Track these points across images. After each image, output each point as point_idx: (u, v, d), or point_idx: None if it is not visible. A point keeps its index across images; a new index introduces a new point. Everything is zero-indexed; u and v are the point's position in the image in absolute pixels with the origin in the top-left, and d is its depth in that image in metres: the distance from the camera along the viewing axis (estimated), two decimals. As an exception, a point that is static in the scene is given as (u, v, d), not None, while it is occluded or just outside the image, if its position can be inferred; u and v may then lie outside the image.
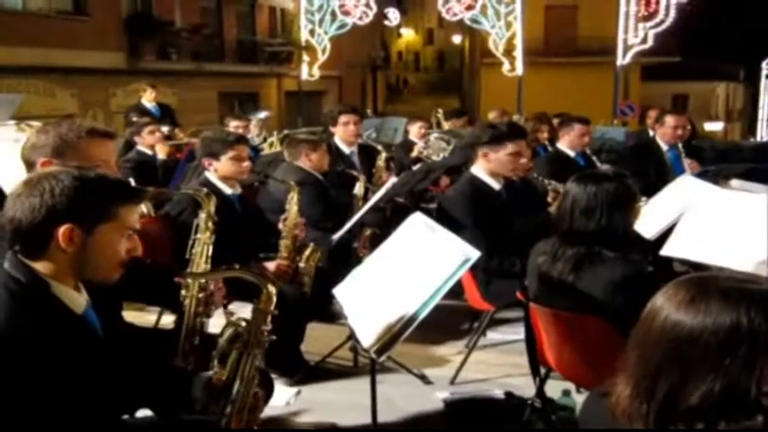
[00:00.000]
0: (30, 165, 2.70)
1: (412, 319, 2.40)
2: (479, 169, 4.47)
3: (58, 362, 1.83)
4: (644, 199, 4.66)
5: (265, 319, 2.16)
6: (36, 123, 6.83)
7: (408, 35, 32.70)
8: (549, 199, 5.06)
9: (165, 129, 8.31)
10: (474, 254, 2.42)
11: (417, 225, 2.86)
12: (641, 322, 1.71)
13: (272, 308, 2.17)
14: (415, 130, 8.64)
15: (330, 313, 5.34)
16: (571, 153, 6.26)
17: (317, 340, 4.72)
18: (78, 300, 2.01)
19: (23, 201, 1.90)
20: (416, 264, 2.62)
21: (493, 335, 5.00)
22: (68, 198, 1.89)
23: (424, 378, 4.41)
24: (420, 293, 2.44)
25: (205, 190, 3.58)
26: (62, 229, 1.88)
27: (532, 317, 3.32)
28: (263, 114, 9.71)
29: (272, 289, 2.17)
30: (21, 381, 1.74)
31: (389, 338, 2.39)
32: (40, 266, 1.92)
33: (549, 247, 3.22)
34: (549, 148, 7.42)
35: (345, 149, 6.35)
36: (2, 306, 1.83)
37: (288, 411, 4.01)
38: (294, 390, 4.21)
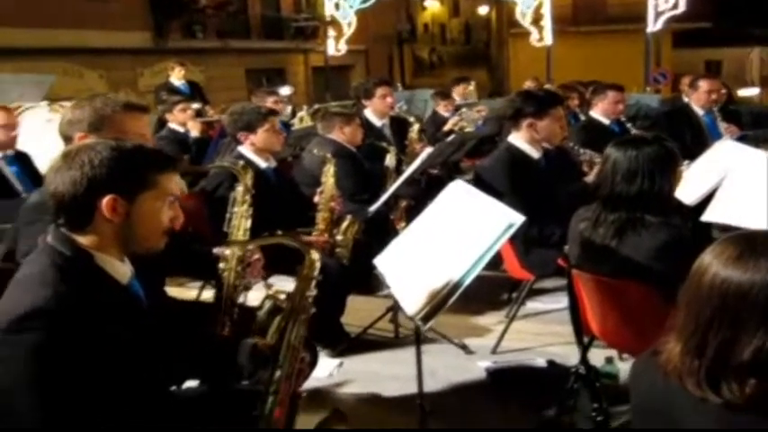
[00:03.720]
0: (68, 140, 2.73)
1: (457, 285, 2.37)
2: (518, 138, 4.41)
3: (107, 333, 1.83)
4: (686, 162, 4.59)
5: (309, 285, 2.15)
6: (68, 104, 6.86)
7: (434, 7, 32.38)
8: (585, 168, 5.00)
9: (195, 106, 8.30)
10: (518, 219, 2.39)
11: (458, 192, 2.83)
12: (690, 280, 1.71)
13: (316, 274, 2.15)
14: (442, 104, 8.58)
15: (369, 285, 5.35)
16: (605, 121, 6.19)
17: (357, 312, 4.72)
18: (123, 270, 2.01)
19: (64, 174, 1.90)
20: (460, 230, 2.59)
21: (532, 304, 4.97)
22: (108, 168, 1.88)
23: (465, 348, 4.40)
24: (464, 260, 2.41)
25: (242, 162, 3.58)
26: (105, 200, 1.88)
27: (575, 284, 3.29)
28: (287, 90, 9.68)
29: (315, 255, 2.15)
30: (70, 353, 1.74)
31: (434, 306, 2.37)
32: (85, 239, 1.92)
33: (591, 213, 3.18)
34: (581, 117, 7.34)
35: (377, 122, 6.31)
36: (48, 280, 1.83)
37: (331, 383, 4.03)
38: (336, 361, 4.23)
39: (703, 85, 6.46)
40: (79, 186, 1.87)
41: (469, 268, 2.38)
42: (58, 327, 1.74)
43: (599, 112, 6.22)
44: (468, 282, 2.38)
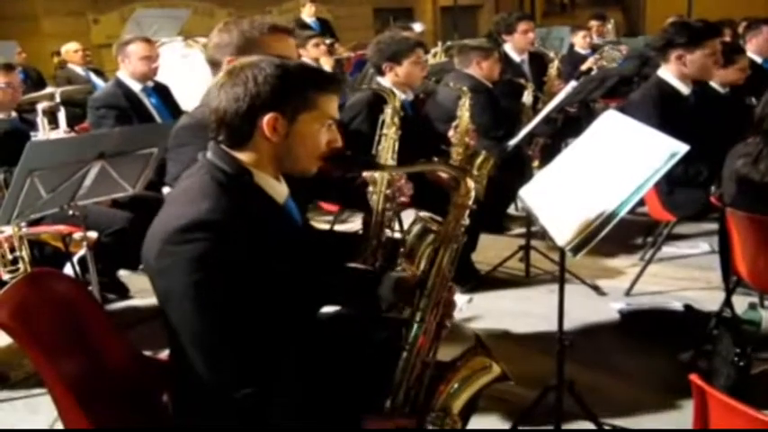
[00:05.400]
0: (215, 64, 2.70)
1: (611, 216, 2.29)
2: (668, 73, 4.21)
3: (266, 248, 1.85)
4: None
5: (463, 213, 2.10)
6: (203, 39, 7.01)
7: (566, -56, 31.31)
8: None
9: (327, 42, 8.34)
10: (682, 147, 2.27)
11: (614, 122, 2.73)
12: None
13: (471, 202, 2.11)
14: (579, 41, 8.33)
15: (500, 224, 5.32)
16: (758, 59, 5.85)
17: (487, 251, 4.72)
18: (280, 189, 2.01)
19: (227, 90, 1.88)
20: (616, 160, 2.49)
21: (669, 249, 4.85)
22: (271, 86, 1.86)
23: (597, 289, 4.34)
24: (621, 190, 2.33)
25: (388, 86, 3.54)
26: (267, 118, 1.86)
27: (727, 224, 3.15)
28: (419, 27, 9.56)
29: (471, 183, 2.10)
30: (232, 265, 1.76)
31: (587, 236, 2.30)
32: (243, 156, 1.92)
33: (751, 148, 3.02)
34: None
35: (516, 57, 6.22)
36: (210, 193, 1.84)
37: (461, 318, 4.04)
38: (467, 297, 4.23)
39: None
40: (242, 103, 1.86)
41: (626, 199, 2.29)
42: (220, 239, 1.75)
43: (753, 50, 5.86)
44: (623, 213, 2.29)
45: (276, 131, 1.89)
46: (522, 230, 4.80)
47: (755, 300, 3.75)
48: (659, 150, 2.33)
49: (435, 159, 2.11)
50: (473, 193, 2.10)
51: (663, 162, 2.28)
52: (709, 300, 3.95)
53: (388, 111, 3.33)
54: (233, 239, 1.78)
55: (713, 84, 4.50)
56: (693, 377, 1.56)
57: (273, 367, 1.84)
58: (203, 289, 1.75)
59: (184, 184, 1.97)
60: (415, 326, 2.10)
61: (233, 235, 1.78)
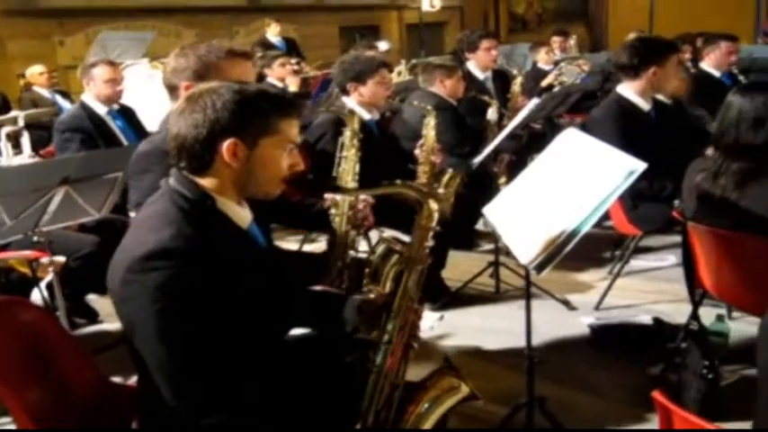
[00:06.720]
0: (172, 89, 2.70)
1: (573, 234, 2.31)
2: (628, 89, 4.26)
3: (230, 275, 1.84)
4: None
5: (427, 235, 2.12)
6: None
7: (530, -39, 31.65)
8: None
9: (294, 61, 8.35)
10: (640, 165, 2.30)
11: (574, 140, 2.75)
12: None
13: (434, 224, 2.12)
14: (542, 57, 8.43)
15: (470, 241, 5.33)
16: (716, 73, 5.95)
17: (456, 267, 4.72)
18: (243, 214, 2.01)
19: (186, 117, 1.88)
20: (576, 178, 2.51)
21: (637, 262, 4.89)
22: (230, 112, 1.86)
23: (567, 304, 4.36)
24: (581, 208, 2.35)
25: (347, 108, 3.55)
26: (227, 144, 1.86)
27: (690, 238, 3.19)
28: (385, 45, 9.60)
29: (434, 205, 2.12)
30: (195, 292, 1.76)
31: (549, 254, 2.32)
32: (205, 182, 1.92)
33: (711, 163, 3.06)
34: (692, 71, 7.08)
35: (480, 75, 6.26)
36: (172, 220, 1.84)
37: (432, 335, 4.04)
38: (438, 315, 4.25)
39: None
40: (201, 129, 1.86)
41: (587, 217, 2.31)
42: (183, 266, 1.75)
43: (710, 64, 5.98)
44: (584, 231, 2.32)
45: (237, 157, 1.89)
46: (492, 246, 4.82)
47: (723, 311, 3.77)
48: (618, 168, 2.36)
49: (398, 181, 2.10)
50: (437, 215, 2.11)
51: (621, 180, 2.31)
52: (678, 312, 3.98)
53: (347, 133, 3.35)
54: (196, 267, 1.78)
55: (660, 97, 4.55)
56: (656, 394, 1.58)
57: (240, 393, 1.83)
58: (167, 317, 1.75)
59: (147, 211, 1.96)
60: (383, 348, 2.11)
61: (196, 262, 1.78)
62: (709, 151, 3.23)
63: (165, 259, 1.75)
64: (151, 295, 1.74)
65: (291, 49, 10.71)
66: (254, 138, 1.90)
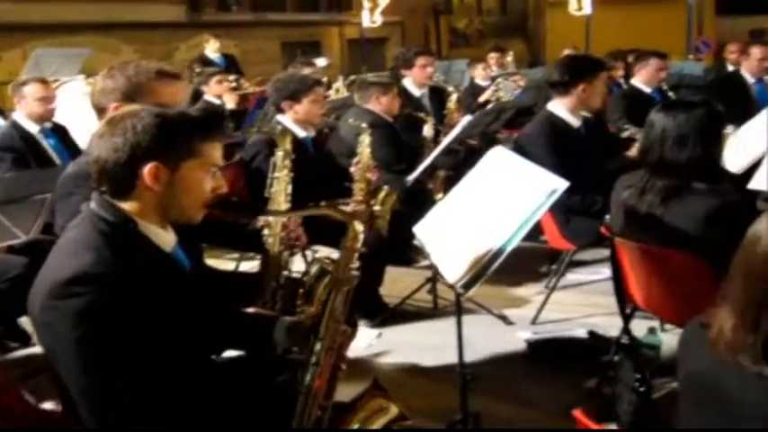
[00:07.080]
0: (101, 110, 2.65)
1: (498, 253, 2.34)
2: (558, 106, 4.34)
3: (151, 299, 1.83)
4: (730, 127, 4.51)
5: (353, 256, 2.12)
6: (104, 78, 6.86)
7: (469, -23, 31.98)
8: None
9: (231, 78, 8.31)
10: (562, 184, 2.34)
11: (500, 158, 2.79)
12: (743, 250, 1.63)
13: (359, 245, 2.13)
14: (479, 73, 8.52)
15: (407, 257, 5.34)
16: (647, 89, 6.07)
17: (394, 284, 4.72)
18: (166, 238, 2.00)
19: (107, 140, 1.87)
20: (501, 197, 2.54)
21: (572, 276, 4.94)
22: (151, 135, 1.85)
23: (504, 319, 4.39)
24: (506, 226, 2.37)
25: (280, 127, 3.55)
26: (148, 167, 1.85)
27: (618, 253, 3.24)
28: (323, 61, 9.63)
29: (359, 227, 2.13)
30: (116, 317, 1.74)
31: (476, 273, 2.34)
32: (127, 206, 1.90)
33: (637, 180, 3.11)
34: (624, 86, 7.24)
35: (416, 92, 6.29)
36: (93, 245, 1.82)
37: (370, 353, 4.03)
38: (375, 332, 4.24)
39: (756, 52, 6.50)
40: (122, 153, 1.84)
41: (511, 235, 2.34)
42: (103, 292, 1.73)
43: (641, 80, 6.09)
44: (509, 249, 2.34)
45: (158, 180, 1.87)
46: (429, 262, 4.83)
47: (656, 324, 3.83)
48: (541, 187, 2.39)
49: (323, 203, 2.11)
50: (362, 237, 2.12)
51: (544, 198, 2.35)
52: (612, 325, 4.02)
53: (279, 153, 3.34)
54: (116, 292, 1.76)
55: (583, 112, 4.63)
56: (577, 413, 1.59)
57: (163, 418, 1.81)
58: (87, 345, 1.73)
59: (68, 235, 1.94)
60: (311, 369, 2.11)
61: (116, 287, 1.77)
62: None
63: (84, 285, 1.73)
64: (71, 322, 1.71)
65: (231, 65, 10.66)
66: (176, 161, 1.89)
